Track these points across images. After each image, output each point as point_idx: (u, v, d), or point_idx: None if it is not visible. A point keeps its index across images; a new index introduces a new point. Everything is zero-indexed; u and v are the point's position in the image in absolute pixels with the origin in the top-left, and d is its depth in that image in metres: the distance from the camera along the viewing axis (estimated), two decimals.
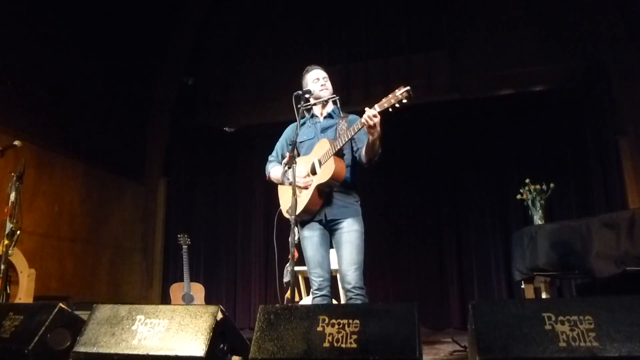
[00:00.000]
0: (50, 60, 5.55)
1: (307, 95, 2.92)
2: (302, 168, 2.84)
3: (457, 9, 6.58)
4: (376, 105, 2.58)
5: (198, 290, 5.69)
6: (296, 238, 2.66)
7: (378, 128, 2.59)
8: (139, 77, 6.95)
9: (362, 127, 2.61)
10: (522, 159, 6.46)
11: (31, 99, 5.36)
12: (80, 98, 5.95)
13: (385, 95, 2.58)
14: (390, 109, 2.55)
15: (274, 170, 3.09)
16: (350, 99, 6.37)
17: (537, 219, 4.60)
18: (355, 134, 2.70)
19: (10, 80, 5.12)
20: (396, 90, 2.54)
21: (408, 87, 2.52)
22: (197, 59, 7.53)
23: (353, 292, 2.72)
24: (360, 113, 2.63)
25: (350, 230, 2.81)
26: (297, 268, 2.68)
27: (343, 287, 2.81)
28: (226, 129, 7.44)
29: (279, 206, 3.02)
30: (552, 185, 4.65)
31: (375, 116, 2.54)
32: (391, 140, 6.52)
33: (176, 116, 7.39)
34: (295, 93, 2.89)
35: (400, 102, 2.52)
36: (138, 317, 2.37)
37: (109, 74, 6.33)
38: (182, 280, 5.65)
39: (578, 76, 6.01)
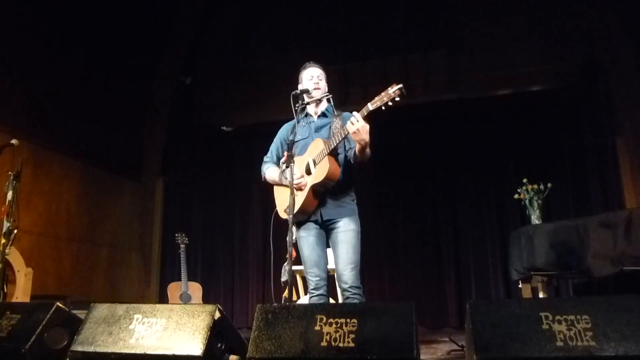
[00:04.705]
0: (48, 59, 5.53)
1: (304, 95, 2.92)
2: (296, 169, 2.82)
3: (455, 8, 6.59)
4: (369, 104, 2.56)
5: (196, 290, 5.68)
6: (294, 237, 2.66)
7: (364, 137, 2.58)
8: (137, 76, 6.94)
9: (349, 133, 2.61)
10: (519, 158, 6.47)
11: (28, 97, 5.35)
12: (78, 97, 5.94)
13: None
14: (383, 107, 2.53)
15: (269, 172, 3.09)
16: (348, 98, 6.37)
17: (535, 219, 4.61)
18: (346, 135, 2.69)
19: (7, 79, 5.10)
20: (389, 89, 2.51)
21: (400, 85, 2.49)
22: (194, 58, 7.53)
23: (350, 291, 2.72)
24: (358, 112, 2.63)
25: (346, 230, 2.80)
26: (295, 267, 2.68)
27: (340, 287, 2.81)
28: (224, 128, 7.43)
29: (276, 206, 3.02)
30: (549, 185, 4.66)
31: (358, 121, 2.54)
32: (389, 140, 6.61)
33: (174, 115, 7.38)
34: (293, 92, 2.89)
35: (393, 100, 2.50)
36: (135, 316, 2.37)
37: (106, 73, 6.32)
38: (179, 279, 5.64)
39: (576, 76, 6.02)
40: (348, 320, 2.00)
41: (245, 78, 7.23)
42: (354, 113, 2.59)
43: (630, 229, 3.43)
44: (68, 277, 5.78)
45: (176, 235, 5.82)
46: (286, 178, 2.75)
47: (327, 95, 3.03)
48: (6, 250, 3.57)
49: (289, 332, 2.04)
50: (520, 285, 4.39)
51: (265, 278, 7.07)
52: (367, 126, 2.59)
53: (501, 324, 1.87)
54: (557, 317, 1.85)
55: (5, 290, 3.79)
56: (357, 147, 2.67)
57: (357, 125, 2.56)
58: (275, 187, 3.07)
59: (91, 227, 6.18)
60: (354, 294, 2.71)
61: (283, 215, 2.90)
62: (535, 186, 4.66)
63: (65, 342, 2.51)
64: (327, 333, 1.99)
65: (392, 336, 1.93)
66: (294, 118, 2.91)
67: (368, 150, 2.70)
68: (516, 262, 4.21)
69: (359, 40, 6.85)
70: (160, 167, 7.30)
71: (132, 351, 2.24)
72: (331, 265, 2.87)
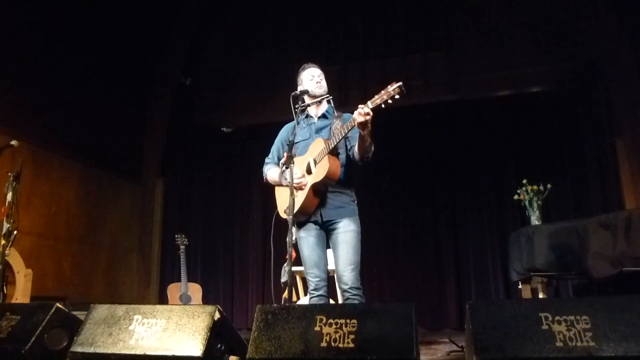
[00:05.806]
0: (48, 59, 5.53)
1: (304, 96, 2.92)
2: (297, 168, 2.82)
3: (455, 9, 6.60)
4: (369, 102, 2.54)
5: (195, 291, 5.68)
6: (294, 238, 2.66)
7: (368, 125, 2.56)
8: (137, 77, 6.93)
9: (355, 124, 2.58)
10: (519, 159, 6.47)
11: (28, 98, 5.34)
12: (78, 97, 5.93)
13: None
14: (383, 105, 2.51)
15: (270, 172, 3.09)
16: (347, 99, 6.37)
17: (534, 220, 4.61)
18: (348, 131, 2.68)
19: (7, 79, 5.10)
20: (388, 86, 2.50)
21: (400, 83, 2.48)
22: (194, 58, 7.53)
23: (350, 292, 2.72)
24: None
25: (346, 231, 2.80)
26: (294, 268, 2.68)
27: (340, 288, 2.81)
28: (224, 129, 7.43)
29: (277, 207, 3.02)
30: (549, 186, 4.66)
31: (367, 114, 2.51)
32: (389, 141, 6.61)
33: (174, 116, 7.38)
34: (293, 93, 2.89)
35: (392, 98, 2.48)
36: (135, 317, 2.37)
37: (106, 73, 6.31)
38: (179, 280, 5.64)
39: (575, 77, 6.02)
40: (348, 320, 2.01)
41: (245, 79, 7.23)
42: (360, 106, 2.55)
43: (629, 230, 3.43)
44: (68, 278, 5.77)
45: (176, 236, 5.82)
46: (286, 179, 2.74)
47: (327, 97, 3.04)
48: (6, 252, 3.57)
49: (288, 333, 2.04)
50: (520, 286, 4.39)
51: (265, 279, 7.07)
52: (372, 114, 2.55)
53: (501, 325, 1.87)
54: (557, 318, 1.85)
55: (5, 292, 3.79)
56: (360, 135, 2.63)
57: (360, 110, 2.50)
58: (276, 188, 3.07)
59: (91, 228, 6.18)
60: (354, 294, 2.71)
61: (284, 215, 2.90)
62: (535, 187, 4.66)
63: (65, 343, 2.51)
64: (327, 334, 1.99)
65: (392, 337, 1.93)
66: (294, 119, 2.90)
67: (369, 140, 2.66)
68: (516, 262, 4.21)
69: (358, 41, 6.85)
70: (160, 168, 7.30)
71: (132, 352, 2.24)
72: (331, 266, 2.87)
